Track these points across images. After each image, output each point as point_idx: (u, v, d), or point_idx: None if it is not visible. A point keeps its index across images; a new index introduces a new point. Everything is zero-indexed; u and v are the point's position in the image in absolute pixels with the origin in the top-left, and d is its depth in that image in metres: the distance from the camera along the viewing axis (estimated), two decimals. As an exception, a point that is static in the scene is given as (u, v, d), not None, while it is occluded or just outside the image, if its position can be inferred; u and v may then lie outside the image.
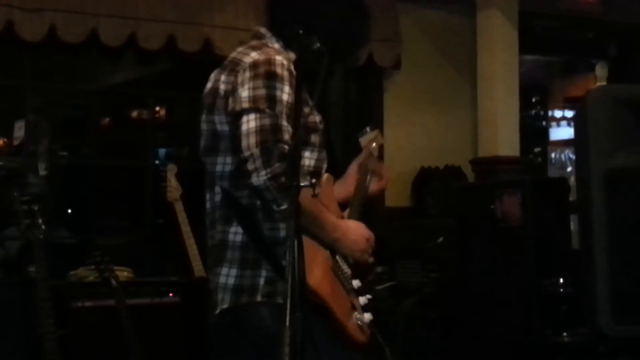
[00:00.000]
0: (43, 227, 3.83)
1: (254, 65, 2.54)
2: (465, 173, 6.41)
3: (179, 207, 4.99)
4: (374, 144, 2.99)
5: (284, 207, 2.35)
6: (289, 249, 1.96)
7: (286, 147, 2.40)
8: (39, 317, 3.78)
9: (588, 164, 3.09)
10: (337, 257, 2.62)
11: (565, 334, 4.06)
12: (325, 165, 2.69)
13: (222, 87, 2.59)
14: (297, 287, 1.92)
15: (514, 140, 6.25)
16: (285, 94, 2.50)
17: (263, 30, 2.72)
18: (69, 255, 5.04)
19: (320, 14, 2.64)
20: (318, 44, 2.36)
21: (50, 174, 4.97)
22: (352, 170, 2.89)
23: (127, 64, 5.80)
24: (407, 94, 6.46)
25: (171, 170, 5.07)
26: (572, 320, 4.01)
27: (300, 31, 2.37)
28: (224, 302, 2.59)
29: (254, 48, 2.62)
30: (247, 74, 2.53)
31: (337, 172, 2.79)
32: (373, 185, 2.89)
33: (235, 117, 2.51)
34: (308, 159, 2.61)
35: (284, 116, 2.47)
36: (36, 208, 3.84)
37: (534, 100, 8.42)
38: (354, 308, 2.63)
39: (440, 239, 5.19)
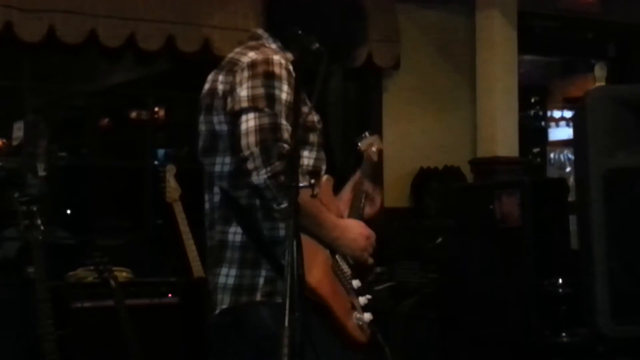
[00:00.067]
0: (42, 227, 3.83)
1: (252, 64, 2.54)
2: (464, 173, 6.41)
3: (178, 207, 4.99)
4: (373, 148, 2.99)
5: (283, 205, 2.36)
6: (288, 249, 1.96)
7: (285, 145, 2.40)
8: (38, 318, 3.78)
9: (587, 164, 3.09)
10: (337, 256, 2.62)
11: (564, 334, 4.06)
12: (324, 166, 2.69)
13: (220, 87, 2.60)
14: (296, 287, 1.92)
15: (513, 141, 6.24)
16: (284, 93, 2.50)
17: (260, 31, 2.72)
18: (68, 256, 5.05)
19: (318, 14, 2.64)
20: (317, 45, 2.36)
21: (50, 174, 4.96)
22: (347, 191, 2.86)
23: (126, 64, 5.80)
24: (406, 94, 6.46)
25: (170, 170, 5.07)
26: (571, 321, 4.01)
27: (300, 32, 2.38)
28: (223, 302, 2.59)
29: (251, 48, 2.63)
30: (246, 74, 2.53)
31: (336, 172, 2.78)
32: (367, 210, 2.88)
33: (235, 117, 2.51)
34: (307, 158, 2.61)
35: (283, 115, 2.48)
36: (35, 209, 3.84)
37: (533, 100, 8.41)
38: (354, 308, 2.63)
39: (440, 240, 5.18)
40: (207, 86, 2.66)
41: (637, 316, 3.02)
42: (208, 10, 5.57)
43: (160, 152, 6.58)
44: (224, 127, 2.57)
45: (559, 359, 4.09)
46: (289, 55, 2.60)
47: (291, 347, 1.87)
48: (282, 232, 2.47)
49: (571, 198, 4.32)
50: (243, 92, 2.51)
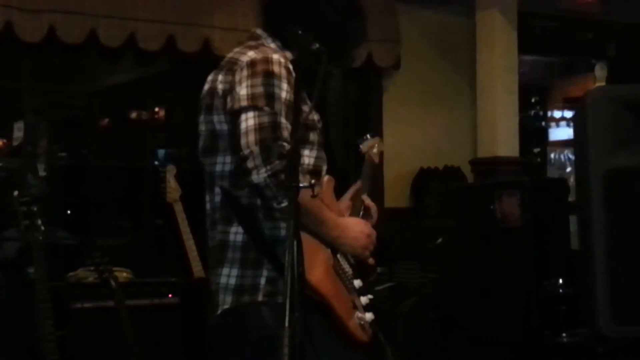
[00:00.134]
0: (42, 228, 3.83)
1: (252, 63, 2.54)
2: (464, 173, 6.41)
3: (178, 208, 4.99)
4: (374, 150, 2.99)
5: (284, 204, 2.35)
6: (288, 249, 1.96)
7: (285, 144, 2.41)
8: (38, 318, 3.78)
9: (587, 164, 3.09)
10: (339, 256, 2.63)
11: (564, 334, 4.06)
12: (325, 165, 2.69)
13: (220, 86, 2.60)
14: (297, 287, 1.92)
15: (513, 141, 6.24)
16: (284, 91, 2.51)
17: (259, 31, 2.72)
18: (68, 256, 5.05)
19: (317, 14, 2.64)
20: (317, 45, 2.36)
21: (50, 174, 4.97)
22: (346, 198, 2.85)
23: (126, 64, 5.79)
24: (406, 94, 6.46)
25: (170, 171, 5.07)
26: (571, 321, 4.01)
27: (299, 32, 2.38)
28: (225, 302, 2.59)
29: (250, 48, 2.63)
30: (245, 72, 2.53)
31: (336, 173, 2.78)
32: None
33: (234, 116, 2.51)
34: (307, 157, 2.61)
35: (283, 114, 2.48)
36: (35, 209, 3.84)
37: (533, 100, 8.41)
38: (355, 307, 2.63)
39: (440, 240, 5.19)
40: (206, 86, 2.67)
41: (637, 316, 3.02)
42: (208, 10, 5.57)
43: (161, 152, 6.58)
44: (224, 127, 2.58)
45: (558, 359, 4.09)
46: (289, 54, 2.61)
47: (291, 347, 1.87)
48: (283, 232, 2.46)
49: (571, 198, 4.32)
50: (243, 90, 2.51)
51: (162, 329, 4.71)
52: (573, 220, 4.16)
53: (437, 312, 4.88)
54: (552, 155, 8.33)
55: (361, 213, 2.82)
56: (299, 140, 2.38)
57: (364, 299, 2.66)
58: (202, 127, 2.65)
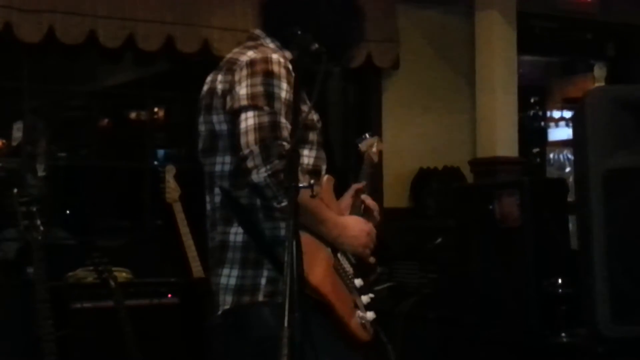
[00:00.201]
0: (41, 228, 3.82)
1: (251, 63, 2.54)
2: (464, 174, 6.41)
3: (178, 208, 4.99)
4: (373, 149, 2.99)
5: (284, 204, 2.35)
6: (287, 250, 1.96)
7: (285, 144, 2.40)
8: (38, 319, 3.77)
9: (586, 164, 3.09)
10: (339, 255, 2.63)
11: (563, 334, 4.06)
12: (324, 165, 2.69)
13: (219, 86, 2.60)
14: (296, 287, 1.92)
15: (512, 141, 6.25)
16: (284, 91, 2.51)
17: (258, 31, 2.73)
18: (68, 257, 5.04)
19: (315, 14, 2.64)
20: (316, 45, 2.36)
21: (49, 175, 4.97)
22: (346, 200, 2.84)
23: (125, 65, 5.80)
24: (405, 94, 6.46)
25: (170, 171, 5.07)
26: (571, 321, 4.01)
27: (299, 32, 2.38)
28: (225, 303, 2.59)
29: (250, 48, 2.63)
30: (245, 72, 2.53)
31: (335, 172, 2.79)
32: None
33: (234, 115, 2.52)
34: (307, 157, 2.61)
35: (283, 113, 2.48)
36: (35, 209, 3.83)
37: (532, 100, 8.42)
38: (356, 306, 2.63)
39: (439, 240, 5.18)
40: (206, 86, 2.67)
41: (637, 317, 3.03)
42: (207, 10, 5.57)
43: (160, 152, 6.58)
44: (224, 127, 2.58)
45: (558, 359, 4.09)
46: (288, 54, 2.61)
47: (291, 348, 1.87)
48: (283, 232, 2.46)
49: (571, 198, 4.32)
50: (242, 90, 2.51)
51: (162, 329, 4.72)
52: (572, 220, 4.17)
53: (436, 312, 4.88)
54: (551, 156, 8.33)
55: (362, 212, 2.82)
56: (299, 140, 2.38)
57: (365, 298, 2.66)
58: (202, 128, 2.65)
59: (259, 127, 2.45)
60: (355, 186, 2.83)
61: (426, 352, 4.83)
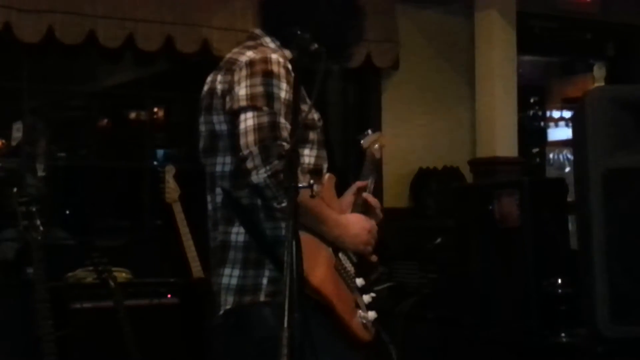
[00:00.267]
0: (41, 228, 3.82)
1: (251, 63, 2.54)
2: (463, 174, 6.41)
3: (177, 208, 4.99)
4: (376, 146, 2.97)
5: (284, 204, 2.35)
6: (287, 250, 1.96)
7: (285, 144, 2.40)
8: (37, 319, 3.77)
9: (586, 164, 3.09)
10: (340, 254, 2.62)
11: (563, 334, 4.05)
12: (326, 164, 2.69)
13: (219, 87, 2.60)
14: (296, 287, 1.92)
15: (512, 141, 6.25)
16: (283, 91, 2.51)
17: (258, 31, 2.73)
18: (67, 257, 5.04)
19: (314, 13, 2.64)
20: (316, 45, 2.36)
21: (49, 175, 4.97)
22: (347, 197, 2.82)
23: (125, 65, 5.79)
24: (405, 94, 6.46)
25: (169, 171, 5.07)
26: (571, 321, 4.01)
27: (298, 32, 2.38)
28: (227, 303, 2.59)
29: (249, 48, 2.63)
30: (244, 72, 2.53)
31: (335, 172, 2.78)
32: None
33: (234, 116, 2.52)
34: (307, 156, 2.61)
35: (282, 113, 2.48)
36: (34, 209, 3.83)
37: (532, 100, 8.42)
38: (358, 306, 2.63)
39: (439, 240, 5.18)
40: (206, 87, 2.67)
41: (636, 317, 3.02)
42: (207, 11, 5.57)
43: (160, 152, 6.57)
44: (224, 127, 2.58)
45: (558, 359, 4.08)
46: (288, 53, 2.60)
47: (291, 348, 1.87)
48: (284, 232, 2.46)
49: (570, 198, 4.32)
50: (242, 91, 2.51)
51: (161, 329, 4.71)
52: (572, 220, 4.16)
53: (436, 312, 4.88)
54: (551, 156, 8.33)
55: (363, 210, 2.81)
56: (298, 140, 2.38)
57: (366, 298, 2.66)
58: (202, 128, 2.65)
59: (258, 128, 2.45)
60: (357, 184, 2.82)
61: (426, 352, 4.82)
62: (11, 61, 5.45)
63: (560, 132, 8.32)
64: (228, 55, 2.65)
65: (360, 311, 2.62)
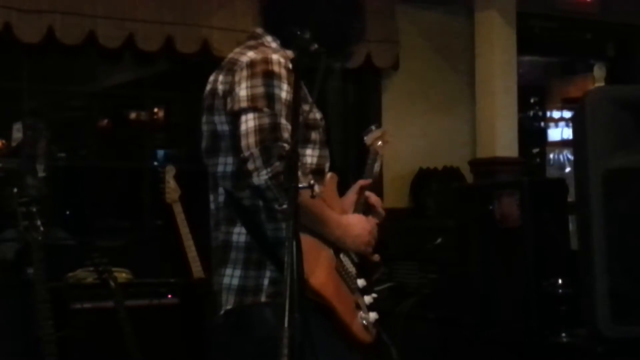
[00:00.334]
0: (41, 228, 3.82)
1: (251, 64, 2.54)
2: (463, 174, 6.41)
3: (178, 208, 4.99)
4: (379, 142, 2.95)
5: (285, 206, 2.35)
6: (288, 251, 1.96)
7: (286, 145, 2.39)
8: (38, 319, 3.77)
9: (586, 164, 3.09)
10: (341, 255, 2.62)
11: (563, 334, 4.06)
12: (328, 163, 2.69)
13: (220, 87, 2.59)
14: (297, 288, 1.92)
15: (512, 141, 6.25)
16: (284, 92, 2.50)
17: (259, 30, 2.72)
18: (68, 257, 5.04)
19: (315, 12, 2.64)
20: (316, 45, 2.36)
21: (49, 175, 4.96)
22: (350, 196, 2.82)
23: (125, 65, 5.80)
24: (405, 94, 6.46)
25: (170, 171, 5.07)
26: (571, 321, 4.01)
27: (298, 32, 2.37)
28: (228, 303, 2.59)
29: (250, 48, 2.63)
30: (245, 73, 2.53)
31: (335, 171, 2.78)
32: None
33: (235, 117, 2.51)
34: (310, 156, 2.61)
35: (283, 114, 2.47)
36: (34, 210, 3.83)
37: (532, 101, 8.42)
38: (359, 307, 2.63)
39: (439, 240, 5.18)
40: (208, 87, 2.67)
41: (637, 317, 3.02)
42: (207, 11, 5.58)
43: (160, 152, 6.57)
44: (225, 128, 2.57)
45: (558, 359, 4.09)
46: (289, 53, 2.60)
47: (291, 348, 1.87)
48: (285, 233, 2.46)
49: (571, 198, 4.32)
50: (242, 91, 2.51)
51: (162, 330, 4.71)
52: (572, 220, 4.16)
53: (436, 312, 4.88)
54: (551, 156, 8.34)
55: (363, 209, 2.80)
56: (298, 141, 2.38)
57: (367, 299, 2.66)
58: (204, 128, 2.65)
59: (259, 129, 2.44)
60: (360, 182, 2.82)
61: (426, 352, 4.82)
62: (11, 61, 5.46)
63: (560, 132, 8.33)
64: (229, 55, 2.65)
65: (361, 312, 2.62)
